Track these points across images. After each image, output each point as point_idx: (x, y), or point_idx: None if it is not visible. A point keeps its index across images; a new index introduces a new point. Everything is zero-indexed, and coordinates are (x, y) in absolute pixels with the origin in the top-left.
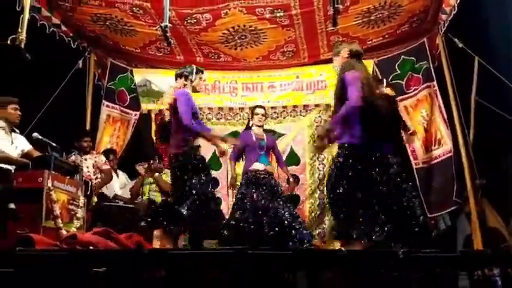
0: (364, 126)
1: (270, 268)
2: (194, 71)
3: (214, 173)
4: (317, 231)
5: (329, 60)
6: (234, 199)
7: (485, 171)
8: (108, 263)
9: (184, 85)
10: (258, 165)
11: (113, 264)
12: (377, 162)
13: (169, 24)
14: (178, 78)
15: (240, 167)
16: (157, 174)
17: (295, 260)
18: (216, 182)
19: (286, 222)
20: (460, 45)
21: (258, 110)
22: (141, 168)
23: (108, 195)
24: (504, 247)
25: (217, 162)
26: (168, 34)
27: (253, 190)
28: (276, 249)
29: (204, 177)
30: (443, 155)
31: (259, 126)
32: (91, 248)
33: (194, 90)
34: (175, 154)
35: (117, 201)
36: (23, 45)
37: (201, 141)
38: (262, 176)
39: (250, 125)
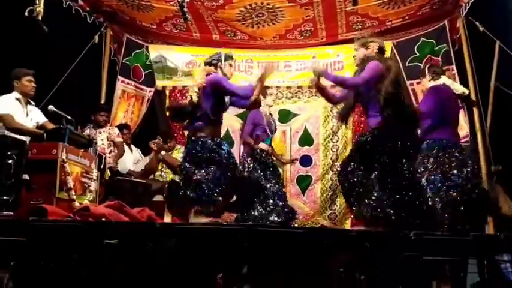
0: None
1: (279, 246)
2: (223, 57)
3: None
4: (328, 212)
5: (347, 41)
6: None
7: (502, 158)
8: (120, 236)
9: (214, 73)
10: (264, 146)
11: (125, 237)
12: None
13: None
14: (207, 66)
15: None
16: (163, 152)
17: (305, 239)
18: None
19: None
20: (482, 29)
21: (272, 90)
22: (153, 145)
23: (120, 169)
24: None
25: (229, 141)
26: (185, 9)
27: (260, 171)
28: (285, 227)
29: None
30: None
31: (270, 106)
32: (103, 220)
33: (225, 76)
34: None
35: (129, 175)
36: (40, 18)
37: None
38: (267, 156)
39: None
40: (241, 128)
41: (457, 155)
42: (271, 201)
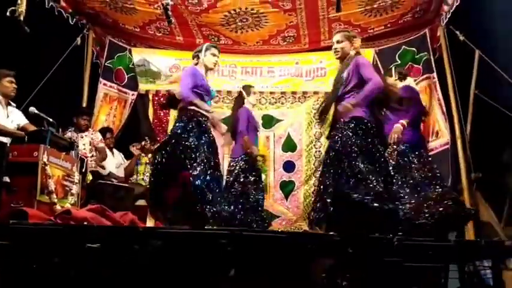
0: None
1: (263, 250)
2: (204, 47)
3: None
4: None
5: (330, 47)
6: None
7: (481, 165)
8: (102, 240)
9: (196, 64)
10: (255, 149)
11: (107, 241)
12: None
13: (171, 2)
14: (192, 60)
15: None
16: (150, 155)
17: (288, 243)
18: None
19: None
20: (461, 38)
21: (254, 89)
22: (134, 149)
23: (103, 173)
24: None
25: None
26: (169, 12)
27: (249, 176)
28: (270, 232)
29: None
30: (440, 147)
31: (254, 105)
32: (85, 224)
33: (207, 68)
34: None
35: (111, 179)
36: (22, 18)
37: None
38: (256, 160)
39: (244, 103)
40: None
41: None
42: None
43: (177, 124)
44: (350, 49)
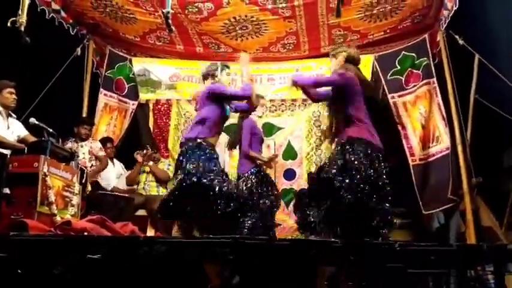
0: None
1: (266, 258)
2: (219, 68)
3: None
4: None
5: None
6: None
7: (482, 170)
8: (103, 250)
9: (212, 84)
10: (264, 157)
11: (108, 251)
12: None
13: (171, 11)
14: (205, 79)
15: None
16: (151, 163)
17: (291, 251)
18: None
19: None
20: (461, 42)
21: (264, 101)
22: (138, 156)
23: (103, 184)
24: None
25: None
26: (169, 21)
27: (260, 189)
28: (273, 240)
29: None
30: (441, 152)
31: (259, 117)
32: (85, 234)
33: None
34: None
35: (114, 192)
36: (22, 28)
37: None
38: (262, 173)
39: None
40: (231, 141)
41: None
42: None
43: None
44: (335, 64)
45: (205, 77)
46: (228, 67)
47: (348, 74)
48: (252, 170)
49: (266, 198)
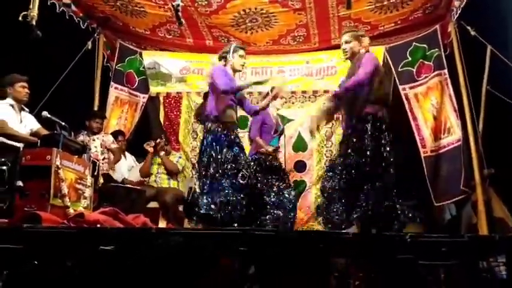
0: None
1: (275, 250)
2: (232, 49)
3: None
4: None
5: (340, 46)
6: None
7: (494, 161)
8: (116, 242)
9: (224, 65)
10: (270, 147)
11: (121, 243)
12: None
13: (181, 3)
14: (219, 61)
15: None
16: (163, 153)
17: (301, 242)
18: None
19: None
20: (473, 33)
21: (282, 94)
22: (148, 147)
23: (115, 176)
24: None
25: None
26: (179, 13)
27: (263, 178)
28: (282, 231)
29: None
30: (452, 143)
31: (278, 109)
32: (98, 226)
33: (234, 69)
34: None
35: (125, 185)
36: (34, 22)
37: None
38: (272, 159)
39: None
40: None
41: None
42: (270, 213)
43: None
44: (359, 48)
45: (219, 59)
46: (242, 48)
47: (375, 61)
48: (254, 157)
49: (266, 185)
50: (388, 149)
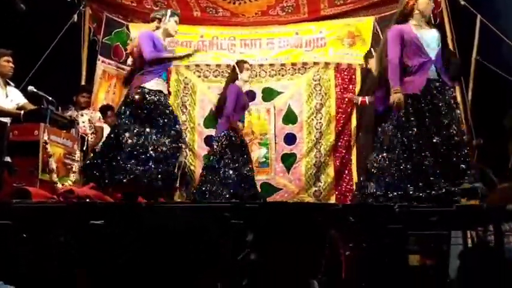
0: None
1: (265, 221)
2: (168, 14)
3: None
4: (313, 189)
5: (330, 17)
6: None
7: (483, 131)
8: (106, 216)
9: (157, 28)
10: (240, 124)
11: (111, 217)
12: None
13: None
14: (151, 23)
15: None
16: None
17: (292, 213)
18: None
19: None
20: (463, 2)
21: (248, 65)
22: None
23: None
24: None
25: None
26: None
27: (234, 152)
28: (272, 204)
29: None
30: None
31: (246, 81)
32: (88, 201)
33: (168, 34)
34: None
35: None
36: None
37: None
38: (241, 137)
39: (237, 79)
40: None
41: None
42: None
43: None
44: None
45: (151, 20)
46: (176, 15)
47: None
48: (225, 133)
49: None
50: None
